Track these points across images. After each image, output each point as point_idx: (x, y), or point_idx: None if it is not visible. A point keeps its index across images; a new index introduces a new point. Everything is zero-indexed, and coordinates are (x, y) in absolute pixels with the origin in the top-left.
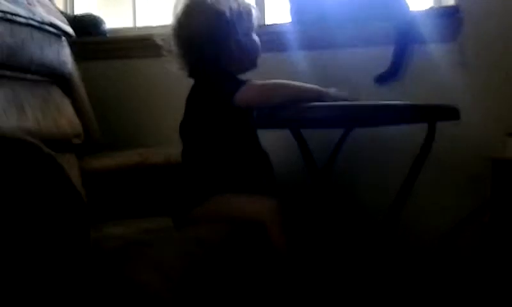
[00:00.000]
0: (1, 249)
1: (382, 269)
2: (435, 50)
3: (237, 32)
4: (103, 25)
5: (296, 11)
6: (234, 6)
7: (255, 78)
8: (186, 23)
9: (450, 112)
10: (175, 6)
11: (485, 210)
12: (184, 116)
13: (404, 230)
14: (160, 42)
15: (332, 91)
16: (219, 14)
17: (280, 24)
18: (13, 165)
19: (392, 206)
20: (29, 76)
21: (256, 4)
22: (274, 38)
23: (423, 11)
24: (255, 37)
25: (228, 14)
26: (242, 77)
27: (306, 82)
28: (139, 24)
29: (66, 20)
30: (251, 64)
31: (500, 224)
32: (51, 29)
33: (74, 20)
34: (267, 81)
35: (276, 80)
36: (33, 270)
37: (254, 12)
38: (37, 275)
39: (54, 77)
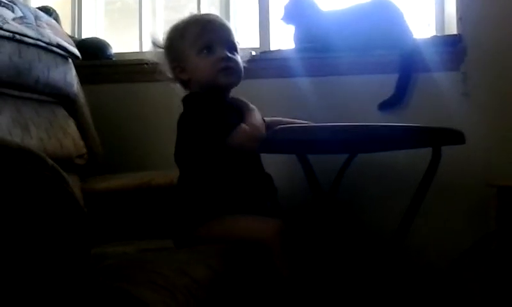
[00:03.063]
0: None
1: (385, 296)
2: (438, 79)
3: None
4: (109, 49)
5: (300, 39)
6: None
7: (259, 104)
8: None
9: (454, 136)
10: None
11: (491, 238)
12: (178, 142)
13: (409, 256)
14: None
15: None
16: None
17: (285, 50)
18: (16, 175)
19: (396, 231)
20: (35, 96)
21: (261, 29)
22: (278, 64)
23: (426, 39)
24: (219, 51)
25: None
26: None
27: (310, 109)
28: (146, 49)
29: (73, 42)
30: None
31: (506, 253)
32: (58, 50)
33: (80, 44)
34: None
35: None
36: (30, 279)
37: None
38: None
39: (60, 97)
